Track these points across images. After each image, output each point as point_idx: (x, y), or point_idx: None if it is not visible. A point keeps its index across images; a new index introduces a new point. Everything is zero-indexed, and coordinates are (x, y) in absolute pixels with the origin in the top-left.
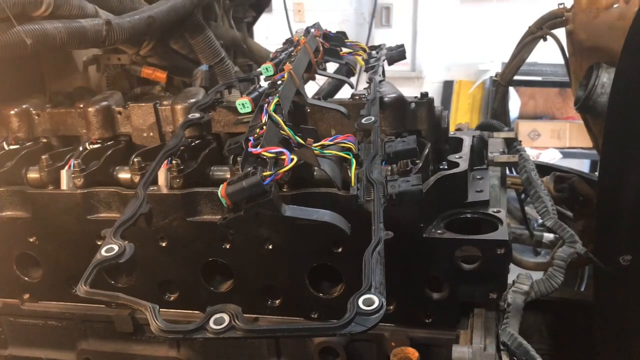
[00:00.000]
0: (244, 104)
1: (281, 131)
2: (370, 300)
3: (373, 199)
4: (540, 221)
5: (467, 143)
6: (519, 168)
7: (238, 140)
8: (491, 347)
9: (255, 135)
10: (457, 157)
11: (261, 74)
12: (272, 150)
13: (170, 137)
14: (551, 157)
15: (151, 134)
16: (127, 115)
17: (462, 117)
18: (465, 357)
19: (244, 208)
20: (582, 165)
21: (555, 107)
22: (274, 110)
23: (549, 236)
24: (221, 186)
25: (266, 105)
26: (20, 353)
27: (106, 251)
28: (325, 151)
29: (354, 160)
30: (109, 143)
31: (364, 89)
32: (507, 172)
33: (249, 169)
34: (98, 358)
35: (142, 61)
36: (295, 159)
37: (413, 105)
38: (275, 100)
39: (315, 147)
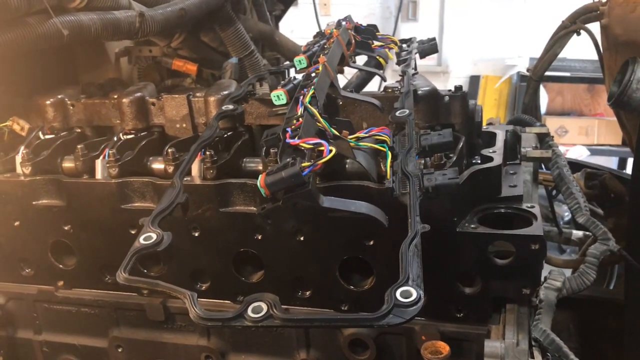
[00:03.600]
0: (279, 95)
1: (317, 123)
2: (408, 293)
3: (409, 191)
4: (567, 218)
5: (500, 137)
6: (551, 164)
7: (275, 131)
8: (524, 343)
9: (293, 127)
10: (490, 151)
11: (291, 67)
12: (311, 142)
13: (202, 129)
14: (579, 154)
15: (184, 125)
16: (160, 106)
17: (489, 112)
18: (497, 352)
19: (282, 198)
20: (611, 163)
21: (583, 103)
22: (310, 102)
23: (577, 233)
24: (260, 176)
25: (302, 97)
26: (53, 339)
27: (145, 239)
28: (360, 143)
29: (389, 153)
30: (142, 134)
31: (397, 81)
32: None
33: (288, 159)
34: (129, 345)
35: (173, 53)
36: (334, 150)
37: (447, 98)
38: (311, 92)
39: (350, 139)
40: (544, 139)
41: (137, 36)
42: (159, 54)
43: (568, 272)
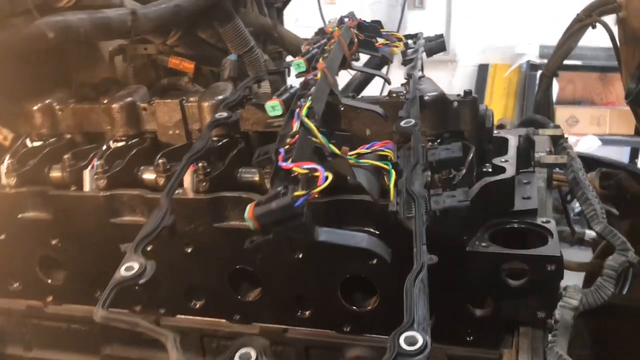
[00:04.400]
0: (274, 106)
1: (314, 139)
2: (413, 339)
3: (414, 215)
4: (577, 210)
5: (512, 144)
6: (566, 167)
7: (267, 149)
8: None
9: (286, 147)
10: (502, 160)
11: (291, 65)
12: (305, 166)
13: (196, 135)
14: (590, 144)
15: (177, 131)
16: (152, 111)
17: (498, 101)
18: None
19: (274, 231)
20: (623, 153)
21: (594, 92)
22: (307, 115)
23: (591, 233)
24: (248, 207)
25: (298, 109)
26: (44, 356)
27: (126, 270)
28: (361, 161)
29: (393, 172)
30: (133, 141)
31: (402, 84)
32: None
33: (279, 188)
34: None
35: (169, 51)
36: (330, 176)
37: (455, 104)
38: (308, 104)
39: (350, 155)
40: (557, 141)
41: (130, 35)
42: (154, 52)
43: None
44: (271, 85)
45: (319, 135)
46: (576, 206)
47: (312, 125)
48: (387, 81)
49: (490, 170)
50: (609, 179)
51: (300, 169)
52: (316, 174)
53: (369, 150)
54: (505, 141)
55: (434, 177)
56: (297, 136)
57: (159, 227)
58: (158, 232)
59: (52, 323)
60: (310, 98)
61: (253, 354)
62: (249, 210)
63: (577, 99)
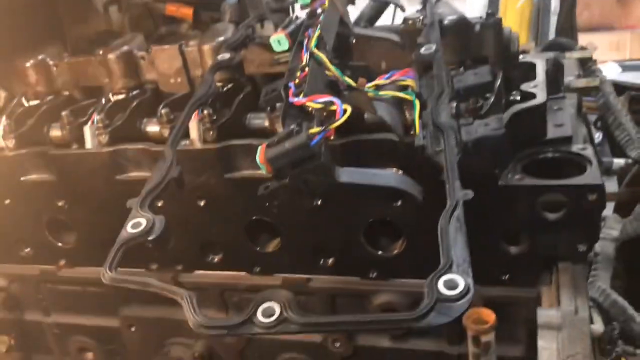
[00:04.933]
0: (279, 40)
1: (327, 72)
2: (453, 282)
3: (444, 149)
4: (598, 140)
5: (540, 69)
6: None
7: (276, 86)
8: (583, 310)
9: (296, 81)
10: (531, 86)
11: (297, 1)
12: (319, 100)
13: (199, 81)
14: (610, 71)
15: (179, 79)
16: (151, 60)
17: None
18: (553, 321)
19: (290, 174)
20: None
21: (613, 15)
22: (316, 46)
23: (619, 162)
24: (259, 149)
25: (306, 40)
26: (63, 320)
27: (133, 226)
28: (381, 93)
29: (416, 102)
30: (134, 93)
31: (417, 11)
32: None
33: (292, 126)
34: (142, 324)
35: None
36: (349, 109)
37: (478, 27)
38: (317, 33)
39: (368, 88)
40: (585, 64)
41: None
42: None
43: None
44: (274, 26)
45: (332, 66)
46: (596, 136)
47: (323, 56)
48: (401, 8)
49: (518, 98)
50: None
51: (313, 103)
52: (332, 107)
53: (388, 81)
54: (531, 66)
55: (459, 107)
56: (307, 69)
57: (165, 179)
58: (164, 185)
59: (68, 287)
60: (319, 27)
61: (277, 308)
62: (260, 152)
63: (594, 25)
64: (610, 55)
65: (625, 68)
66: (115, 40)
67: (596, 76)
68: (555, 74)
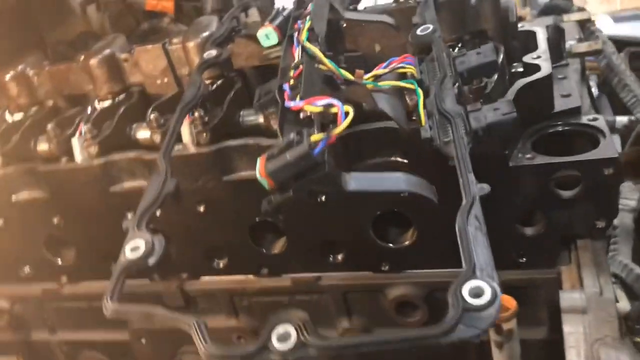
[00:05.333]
0: (267, 34)
1: (321, 66)
2: (479, 290)
3: (453, 139)
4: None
5: (542, 37)
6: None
7: (270, 88)
8: (608, 290)
9: (291, 82)
10: (534, 57)
11: None
12: (318, 103)
13: (187, 79)
14: (603, 25)
15: (165, 79)
16: (134, 61)
17: None
18: (578, 304)
19: (293, 186)
20: (638, 31)
21: None
22: (308, 39)
23: (622, 120)
24: (258, 162)
25: (297, 33)
26: (71, 337)
27: (132, 250)
28: (380, 84)
29: (419, 91)
30: (120, 98)
31: None
32: None
33: (291, 135)
34: (152, 336)
35: None
36: (351, 111)
37: (473, 0)
38: (307, 24)
39: (367, 79)
40: (585, 26)
41: None
42: None
43: None
44: (260, 13)
45: (327, 60)
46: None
47: (316, 50)
48: None
49: (521, 69)
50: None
51: (312, 107)
52: (333, 110)
53: (386, 70)
54: (531, 35)
55: (462, 89)
56: (301, 67)
57: (160, 196)
58: (160, 202)
59: (72, 303)
60: (308, 18)
61: (292, 332)
62: (259, 166)
63: None
64: (601, 8)
65: (617, 20)
66: (95, 42)
67: (597, 37)
68: (556, 40)
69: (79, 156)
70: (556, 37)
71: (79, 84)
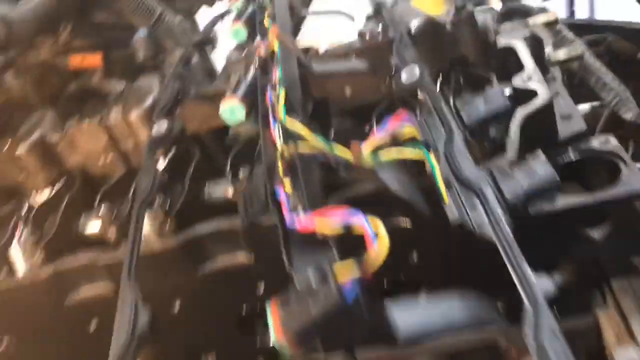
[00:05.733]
0: (232, 110)
1: (310, 150)
2: None
3: (488, 219)
4: None
5: (524, 53)
6: None
7: (253, 194)
8: None
9: (286, 187)
10: (524, 79)
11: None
12: (334, 220)
13: (135, 154)
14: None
15: (109, 157)
16: (69, 142)
17: None
18: None
19: (326, 348)
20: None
21: None
22: (287, 113)
23: (584, 107)
24: (270, 317)
25: (271, 110)
26: None
27: None
28: (383, 159)
29: (431, 157)
30: (59, 187)
31: (367, 18)
32: None
33: (309, 274)
34: None
35: (66, 49)
36: (385, 239)
37: (449, 27)
38: (282, 95)
39: (366, 155)
40: (554, 29)
41: (7, 51)
42: (49, 55)
43: None
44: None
45: (318, 141)
46: None
47: (304, 129)
48: (351, 17)
49: (510, 94)
50: (597, 46)
51: (328, 227)
52: (358, 230)
53: (385, 136)
54: (512, 52)
55: (472, 145)
56: (286, 154)
57: (133, 341)
58: (135, 349)
59: None
60: (280, 85)
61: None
62: (274, 326)
63: None
64: None
65: None
66: (20, 112)
67: (573, 42)
68: (537, 52)
69: (21, 268)
70: (536, 48)
71: (8, 175)
